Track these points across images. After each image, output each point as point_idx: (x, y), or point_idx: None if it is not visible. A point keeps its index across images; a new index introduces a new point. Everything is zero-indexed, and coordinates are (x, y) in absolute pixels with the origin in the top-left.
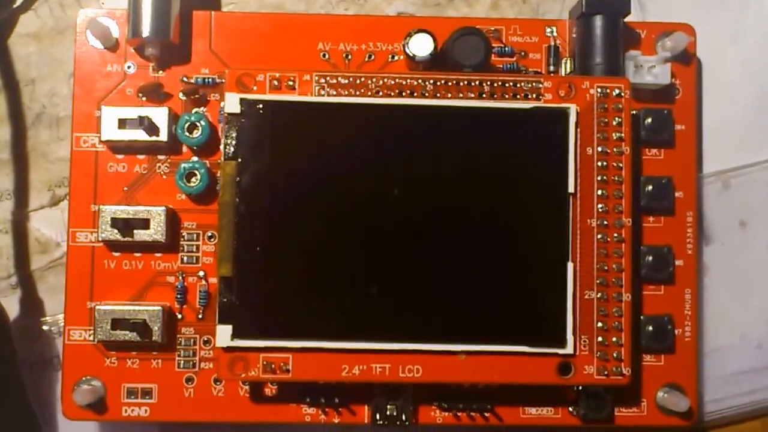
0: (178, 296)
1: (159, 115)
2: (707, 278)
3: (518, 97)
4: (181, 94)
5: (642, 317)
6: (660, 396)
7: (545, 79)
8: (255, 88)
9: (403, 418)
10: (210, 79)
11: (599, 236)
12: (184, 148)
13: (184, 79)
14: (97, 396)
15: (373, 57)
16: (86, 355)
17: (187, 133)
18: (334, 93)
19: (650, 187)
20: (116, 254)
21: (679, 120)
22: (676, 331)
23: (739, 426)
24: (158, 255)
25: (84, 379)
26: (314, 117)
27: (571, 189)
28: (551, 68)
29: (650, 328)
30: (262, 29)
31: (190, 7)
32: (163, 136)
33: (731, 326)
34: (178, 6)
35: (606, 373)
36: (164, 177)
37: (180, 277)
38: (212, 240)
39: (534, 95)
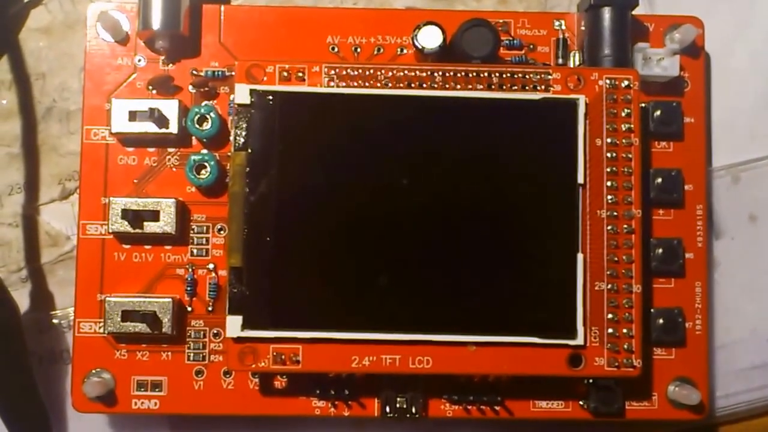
0: (188, 289)
1: (169, 107)
2: (717, 273)
3: (527, 88)
4: (190, 87)
5: (652, 310)
6: (671, 390)
7: (554, 71)
8: (265, 79)
9: (413, 410)
10: (219, 72)
11: (609, 227)
12: (194, 141)
13: (194, 72)
14: (107, 388)
15: (382, 50)
16: (96, 348)
17: (197, 126)
18: (344, 84)
19: (660, 180)
20: (126, 246)
21: (688, 113)
22: (686, 325)
23: (750, 422)
24: (168, 247)
25: (94, 371)
26: (324, 108)
27: (580, 180)
28: (560, 61)
29: (661, 321)
30: (272, 23)
31: (199, 0)
32: (173, 129)
33: (742, 321)
34: None
35: (617, 364)
36: (174, 169)
37: (190, 270)
38: (222, 232)
39: (543, 86)
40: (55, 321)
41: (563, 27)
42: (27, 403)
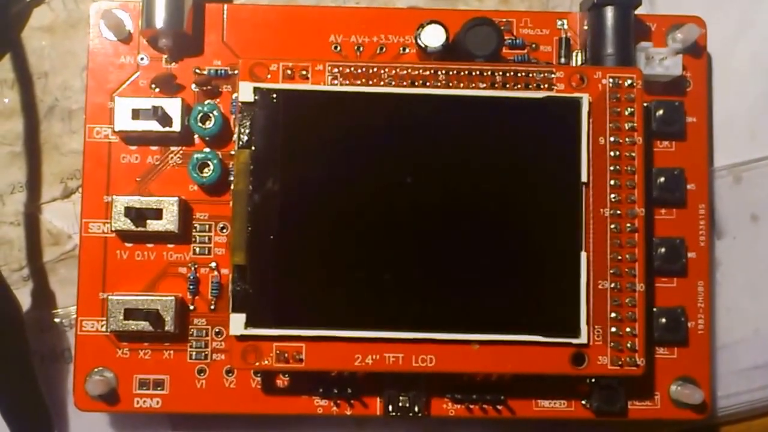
0: (191, 287)
1: (172, 105)
2: (719, 273)
3: (530, 87)
4: (193, 86)
5: (655, 309)
6: (673, 389)
7: (557, 70)
8: (269, 77)
9: (416, 409)
10: (222, 71)
11: (612, 226)
12: (197, 139)
13: (197, 70)
14: (109, 387)
15: (384, 49)
16: (98, 346)
17: (200, 124)
18: (348, 83)
19: (662, 179)
20: (129, 245)
21: (690, 112)
22: (689, 324)
23: (752, 422)
24: (170, 246)
25: (96, 370)
26: (327, 106)
27: (584, 179)
28: (562, 60)
29: (663, 320)
30: (275, 21)
31: None
32: (176, 127)
33: (744, 321)
34: None
35: (620, 363)
36: (177, 168)
37: (192, 268)
38: (224, 231)
39: (546, 85)
40: (56, 320)
41: (565, 26)
42: (29, 401)
